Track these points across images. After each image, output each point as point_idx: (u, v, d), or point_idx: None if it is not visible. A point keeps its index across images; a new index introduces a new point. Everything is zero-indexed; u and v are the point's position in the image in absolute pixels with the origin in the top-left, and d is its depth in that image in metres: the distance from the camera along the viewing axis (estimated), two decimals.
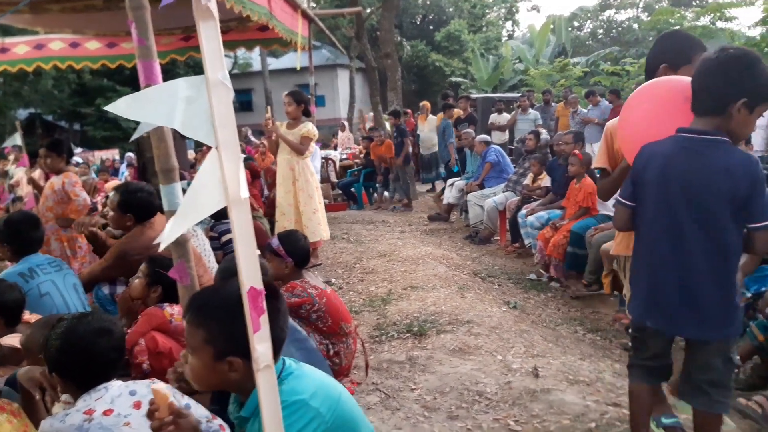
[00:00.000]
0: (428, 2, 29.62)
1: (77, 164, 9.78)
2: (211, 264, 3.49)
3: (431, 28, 28.24)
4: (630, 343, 2.18)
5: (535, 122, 9.90)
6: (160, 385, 1.40)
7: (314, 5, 24.65)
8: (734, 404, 2.52)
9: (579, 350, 3.47)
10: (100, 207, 6.15)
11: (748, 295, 3.14)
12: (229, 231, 3.84)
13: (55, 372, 1.71)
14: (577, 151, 5.40)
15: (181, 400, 1.68)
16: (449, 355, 3.14)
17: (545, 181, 6.26)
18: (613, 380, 2.91)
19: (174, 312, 2.54)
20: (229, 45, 7.37)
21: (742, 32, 12.68)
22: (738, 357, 2.13)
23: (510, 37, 30.14)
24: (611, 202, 4.84)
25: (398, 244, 6.11)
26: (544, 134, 7.27)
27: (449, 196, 8.06)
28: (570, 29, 27.80)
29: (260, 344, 1.17)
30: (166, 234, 1.11)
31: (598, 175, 2.96)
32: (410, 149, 9.50)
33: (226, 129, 1.16)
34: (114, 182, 8.28)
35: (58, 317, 1.94)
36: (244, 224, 1.14)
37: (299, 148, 5.14)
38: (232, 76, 28.09)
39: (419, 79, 26.47)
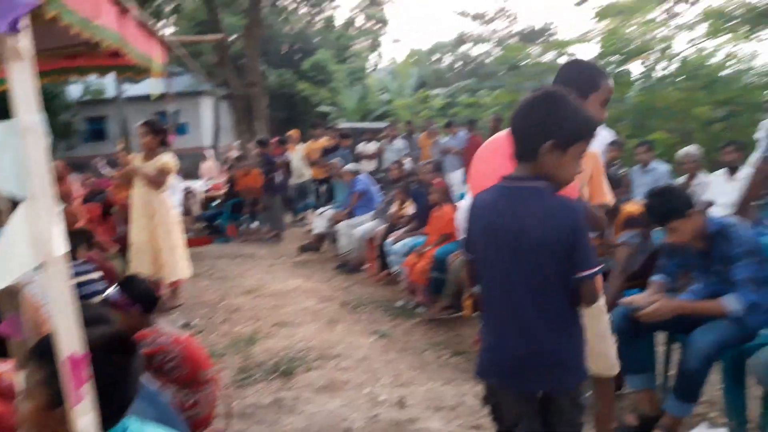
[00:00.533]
0: (294, 32, 29.81)
1: None
2: None
3: (298, 57, 28.39)
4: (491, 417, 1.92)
5: (401, 152, 10.23)
6: None
7: (174, 29, 23.77)
8: None
9: (443, 375, 3.57)
10: None
11: None
12: (80, 273, 3.49)
13: None
14: (436, 180, 5.66)
15: None
16: (317, 393, 3.09)
17: (410, 209, 6.47)
18: (474, 402, 3.03)
19: (3, 369, 2.23)
20: (79, 71, 6.83)
21: None
22: (587, 396, 1.99)
23: (375, 68, 31.16)
24: None
25: (266, 278, 5.95)
26: (408, 164, 7.54)
27: (319, 226, 8.05)
28: (430, 62, 29.41)
29: (83, 417, 1.05)
30: None
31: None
32: (280, 179, 9.39)
33: (39, 178, 1.05)
34: None
35: None
36: (60, 286, 1.03)
37: (156, 181, 4.86)
38: (84, 103, 26.13)
39: (288, 107, 26.39)
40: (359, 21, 32.94)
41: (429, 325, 4.85)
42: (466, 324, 4.74)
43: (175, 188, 6.89)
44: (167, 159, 4.92)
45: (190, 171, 18.10)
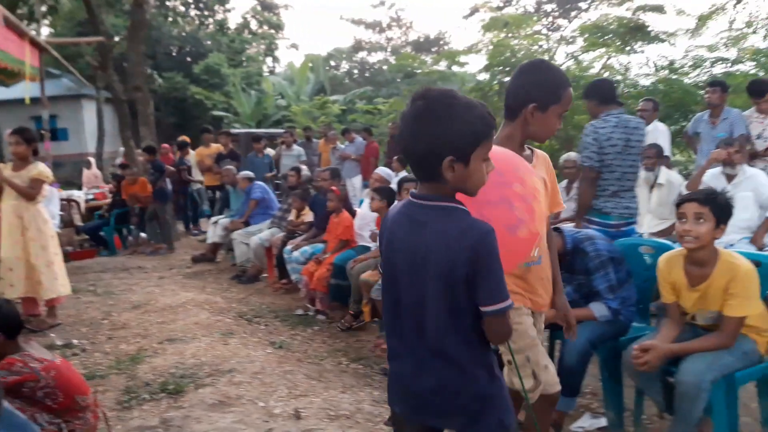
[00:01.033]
0: (183, 34, 28.67)
1: None
2: None
3: (189, 60, 27.32)
4: None
5: (299, 158, 10.13)
6: None
7: (51, 31, 22.12)
8: None
9: (341, 383, 3.56)
10: None
11: None
12: None
13: None
14: (334, 187, 5.66)
15: None
16: (208, 411, 2.96)
17: (308, 216, 6.42)
18: (371, 409, 3.05)
19: None
20: None
21: (473, 77, 14.65)
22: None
23: (271, 72, 30.68)
24: (367, 233, 5.20)
25: (156, 292, 5.65)
26: (305, 170, 7.47)
27: (213, 235, 7.77)
28: (327, 68, 29.42)
29: None
30: None
31: None
32: (170, 186, 8.97)
33: None
34: None
35: None
36: None
37: (29, 193, 4.54)
38: None
39: (179, 112, 25.29)
40: (254, 25, 32.37)
41: (329, 331, 4.83)
42: (365, 330, 4.77)
43: (50, 199, 6.38)
44: (41, 168, 4.63)
45: (71, 179, 16.81)
